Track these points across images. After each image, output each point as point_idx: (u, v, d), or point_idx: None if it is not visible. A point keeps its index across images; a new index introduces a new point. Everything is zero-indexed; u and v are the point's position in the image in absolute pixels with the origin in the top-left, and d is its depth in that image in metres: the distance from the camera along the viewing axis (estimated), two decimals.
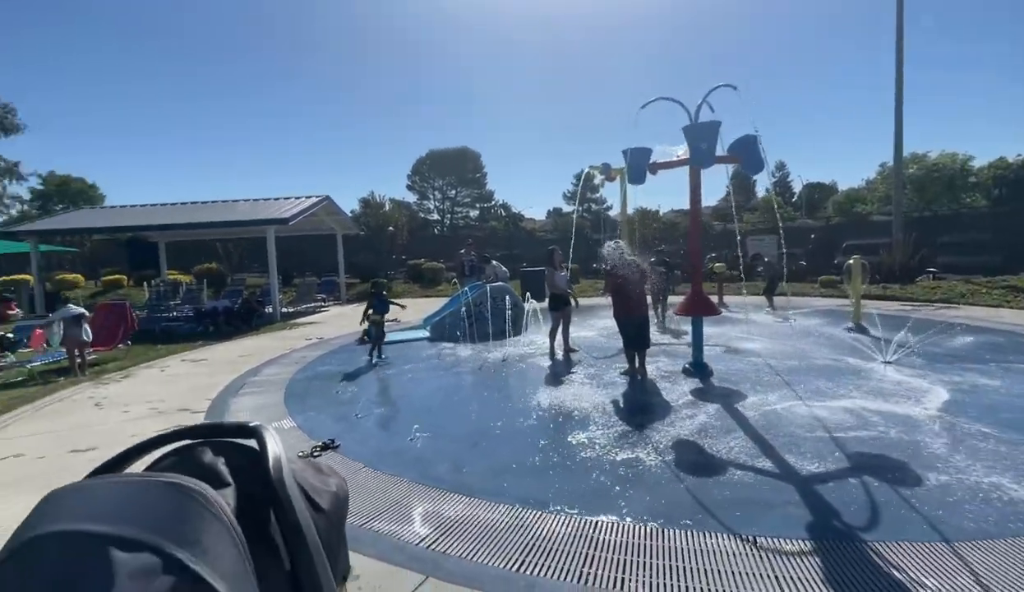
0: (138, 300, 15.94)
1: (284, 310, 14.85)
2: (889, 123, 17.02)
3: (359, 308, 15.22)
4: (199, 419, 5.65)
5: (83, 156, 70.46)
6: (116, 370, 8.25)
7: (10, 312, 7.84)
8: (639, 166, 6.42)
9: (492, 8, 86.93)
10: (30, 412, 6.18)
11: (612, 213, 39.96)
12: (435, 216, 48.83)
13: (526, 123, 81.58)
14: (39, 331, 8.25)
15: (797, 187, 45.77)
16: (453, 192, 48.99)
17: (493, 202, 50.07)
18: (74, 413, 6.06)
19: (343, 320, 13.23)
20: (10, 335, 9.43)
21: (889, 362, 6.79)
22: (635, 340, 6.39)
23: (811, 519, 3.19)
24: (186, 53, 78.75)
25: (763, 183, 44.94)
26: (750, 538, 2.97)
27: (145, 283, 16.67)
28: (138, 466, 1.02)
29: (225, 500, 0.91)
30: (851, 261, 9.50)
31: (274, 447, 0.97)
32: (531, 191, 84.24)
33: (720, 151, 6.09)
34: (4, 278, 18.39)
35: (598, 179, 10.71)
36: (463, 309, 8.90)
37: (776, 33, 79.09)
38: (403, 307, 10.07)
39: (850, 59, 71.75)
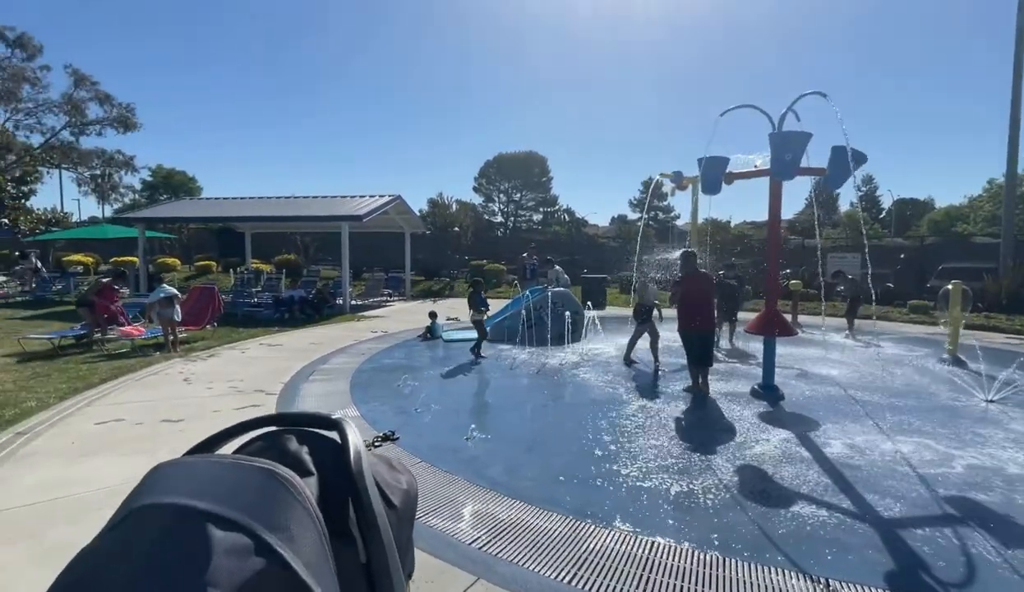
0: (225, 285, 17.28)
1: (353, 302, 15.55)
2: (1000, 135, 15.35)
3: (422, 304, 15.72)
4: (273, 399, 6.04)
5: (185, 152, 77.46)
6: (203, 349, 8.97)
7: (120, 293, 8.84)
8: (714, 176, 6.19)
9: (568, 10, 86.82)
10: (131, 382, 6.84)
11: (679, 222, 38.74)
12: (499, 218, 49.41)
13: (596, 128, 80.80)
14: (140, 328, 9.19)
15: (886, 202, 42.37)
16: (518, 195, 49.39)
17: (557, 207, 50.00)
18: (166, 386, 6.65)
19: (407, 315, 13.68)
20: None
21: (992, 401, 6.11)
22: (700, 356, 6.15)
23: (886, 566, 2.93)
24: (269, 58, 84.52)
25: (847, 197, 41.99)
26: (820, 579, 2.78)
27: (232, 270, 18.05)
28: (227, 448, 1.11)
29: (309, 489, 0.97)
30: (949, 286, 8.64)
31: (355, 441, 1.02)
32: (597, 198, 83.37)
33: (805, 162, 5.74)
34: (115, 259, 20.56)
35: (668, 186, 10.47)
36: (523, 312, 8.93)
37: (871, 34, 73.57)
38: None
39: (955, 62, 65.49)
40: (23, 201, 11.56)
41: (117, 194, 32.21)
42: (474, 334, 9.90)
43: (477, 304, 8.45)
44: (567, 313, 8.90)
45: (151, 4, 71.79)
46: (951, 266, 15.94)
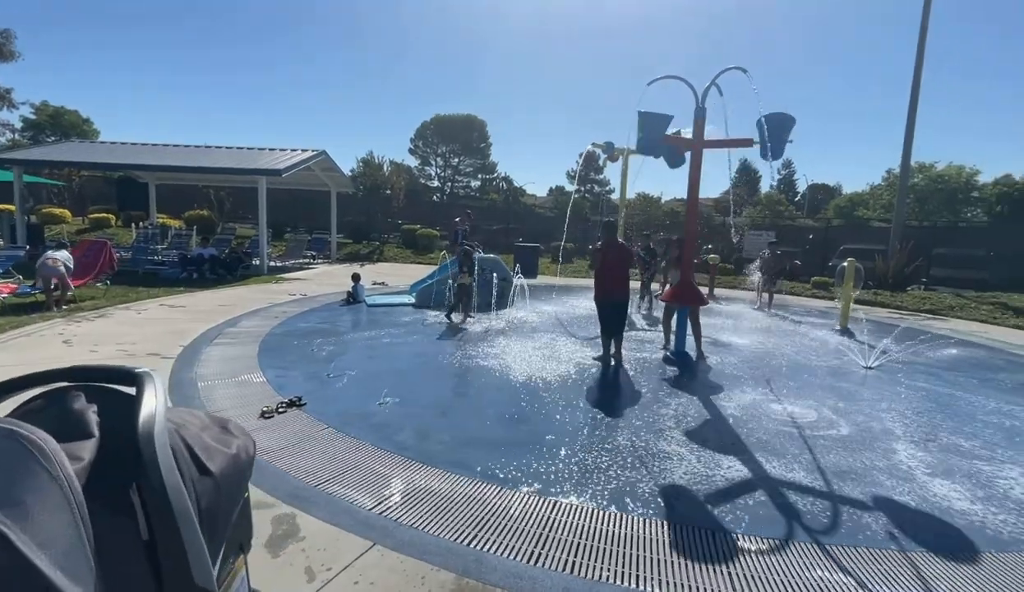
0: (125, 241, 15.64)
1: (272, 263, 14.63)
2: (900, 129, 16.73)
3: (348, 268, 15.04)
4: (169, 363, 5.54)
5: (78, 90, 68.56)
6: (91, 309, 8.07)
7: None
8: (654, 136, 6.05)
9: None
10: (1, 343, 6.03)
11: (614, 196, 39.58)
12: (435, 183, 48.13)
13: (535, 97, 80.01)
14: (10, 285, 8.13)
15: (801, 186, 45.48)
16: (456, 160, 48.22)
17: (495, 175, 49.39)
18: (40, 348, 5.92)
19: (330, 278, 13.06)
20: None
21: (871, 368, 6.75)
22: (612, 324, 6.28)
23: (769, 517, 3.14)
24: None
25: (767, 179, 44.66)
26: (709, 530, 2.93)
27: (133, 225, 16.33)
28: (7, 406, 0.89)
29: (76, 454, 0.77)
30: (845, 264, 9.41)
31: (151, 399, 0.84)
32: (535, 167, 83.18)
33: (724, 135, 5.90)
34: None
35: (601, 158, 10.42)
36: (450, 278, 8.75)
37: (789, 26, 77.45)
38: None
39: (865, 59, 70.57)
40: None
41: None
42: (404, 299, 9.61)
43: (469, 268, 8.36)
44: (494, 278, 8.80)
45: None
46: (849, 247, 17.40)
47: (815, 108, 69.92)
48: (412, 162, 46.50)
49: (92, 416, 0.79)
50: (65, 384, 0.86)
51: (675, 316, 6.39)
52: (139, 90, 74.80)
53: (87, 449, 0.78)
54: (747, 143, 6.07)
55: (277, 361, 5.86)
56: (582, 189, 45.17)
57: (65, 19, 66.06)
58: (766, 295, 11.37)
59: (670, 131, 6.32)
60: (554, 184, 49.92)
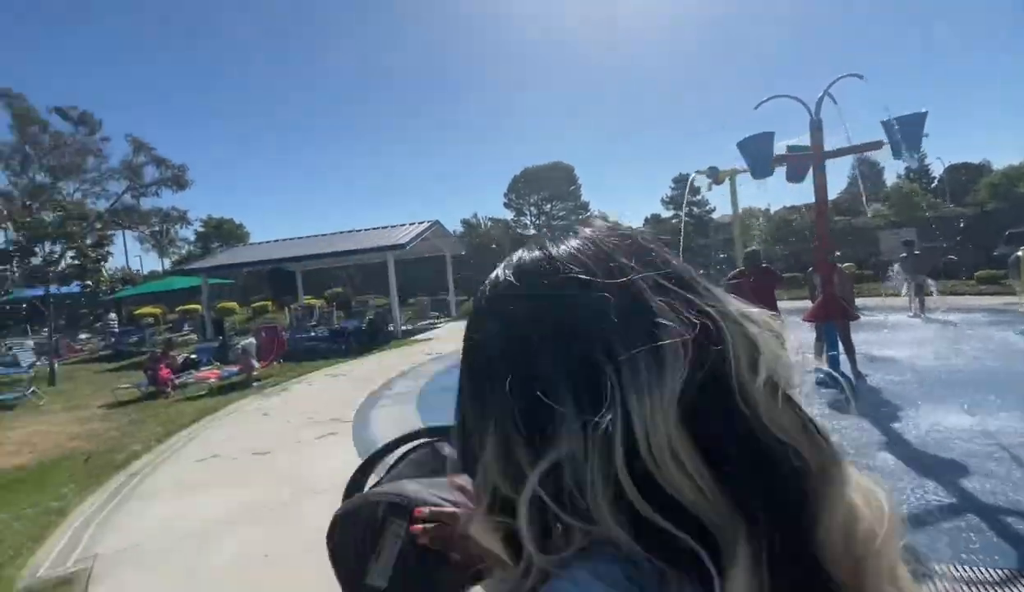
0: (280, 322, 18.18)
1: (404, 327, 16.06)
2: None
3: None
4: (348, 426, 6.38)
5: (231, 201, 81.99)
6: (273, 385, 9.51)
7: (171, 357, 9.86)
8: (763, 155, 5.99)
9: (579, 8, 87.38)
10: (215, 421, 7.36)
11: (715, 215, 37.97)
12: (531, 231, 49.77)
13: (621, 130, 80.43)
14: (215, 371, 10.04)
15: (938, 170, 40.18)
16: (548, 206, 49.64)
17: (588, 213, 49.95)
18: (247, 422, 7.13)
19: (456, 335, 13.97)
20: (193, 356, 11.31)
21: None
22: None
23: (980, 545, 2.88)
24: (299, 101, 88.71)
25: (893, 169, 40.09)
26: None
27: (286, 308, 18.95)
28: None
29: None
30: (1020, 252, 8.22)
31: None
32: (627, 197, 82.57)
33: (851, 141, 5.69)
34: (181, 307, 21.99)
35: (705, 183, 10.41)
36: None
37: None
38: None
39: (995, 14, 61.80)
40: (102, 263, 12.70)
41: (175, 247, 34.35)
42: None
43: None
44: None
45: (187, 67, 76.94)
46: (1017, 231, 15.02)
47: (937, 78, 62.13)
48: (507, 214, 48.67)
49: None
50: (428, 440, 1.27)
51: (823, 335, 6.04)
52: (272, 193, 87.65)
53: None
54: (875, 147, 5.77)
55: (440, 417, 6.45)
56: (680, 214, 43.94)
57: (213, 140, 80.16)
58: (917, 300, 10.19)
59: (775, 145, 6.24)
60: (649, 212, 49.19)
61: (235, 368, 9.67)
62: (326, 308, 18.70)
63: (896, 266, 10.74)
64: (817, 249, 6.35)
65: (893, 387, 5.83)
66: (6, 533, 4.17)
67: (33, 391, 10.12)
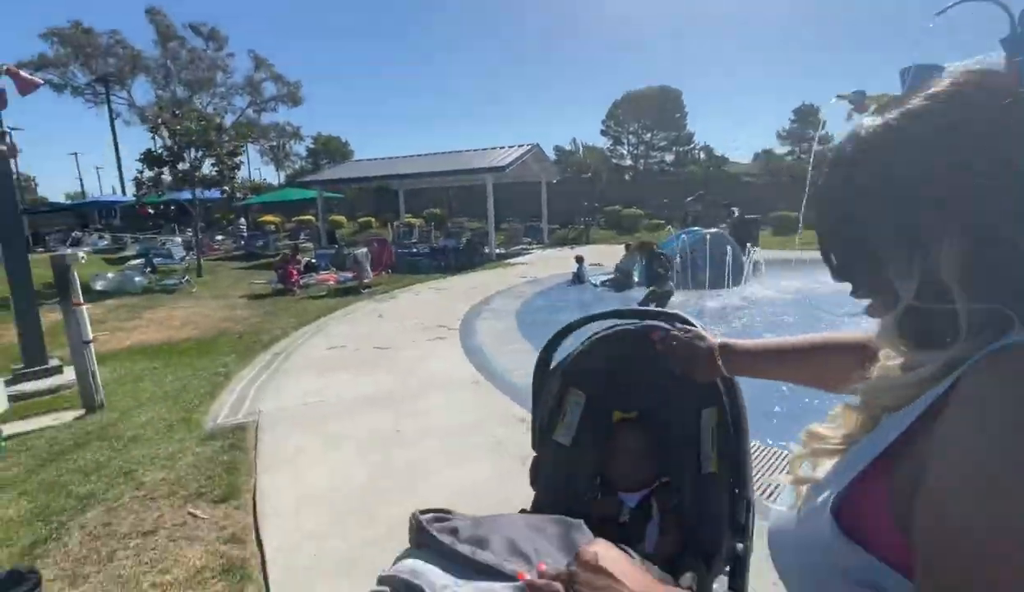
0: (385, 237, 19.35)
1: (497, 251, 16.44)
2: None
3: (560, 251, 16.06)
4: (456, 333, 6.84)
5: (336, 119, 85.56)
6: (383, 292, 10.30)
7: (297, 260, 11.06)
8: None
9: None
10: (337, 318, 8.19)
11: None
12: (628, 161, 47.36)
13: (737, 55, 72.03)
14: (333, 275, 11.02)
15: None
16: (648, 135, 46.63)
17: (692, 144, 46.40)
18: (366, 322, 7.84)
19: (549, 262, 14.13)
20: (313, 261, 12.48)
21: None
22: None
23: None
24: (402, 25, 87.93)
25: None
26: None
27: (388, 224, 20.04)
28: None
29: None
30: None
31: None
32: (738, 132, 75.29)
33: None
34: (297, 218, 24.07)
35: (844, 111, 9.18)
36: (677, 257, 8.75)
37: None
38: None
39: None
40: (236, 171, 14.11)
41: (289, 161, 37.00)
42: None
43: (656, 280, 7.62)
44: (729, 248, 8.46)
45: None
46: None
47: None
48: (604, 143, 46.51)
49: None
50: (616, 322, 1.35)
51: None
52: (373, 110, 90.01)
53: None
54: None
55: (532, 333, 6.70)
56: (796, 150, 39.56)
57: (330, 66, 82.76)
58: None
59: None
60: (760, 147, 44.69)
61: (349, 274, 10.54)
62: (424, 227, 19.51)
63: None
64: None
65: None
66: (189, 387, 5.06)
67: (187, 279, 11.77)
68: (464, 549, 0.76)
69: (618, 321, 1.31)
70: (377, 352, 6.07)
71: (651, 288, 7.34)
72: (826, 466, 0.57)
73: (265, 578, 2.36)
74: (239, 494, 3.06)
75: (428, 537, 0.80)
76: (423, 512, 0.87)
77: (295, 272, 10.69)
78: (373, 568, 0.81)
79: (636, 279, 9.34)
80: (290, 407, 4.47)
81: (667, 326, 1.18)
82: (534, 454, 1.35)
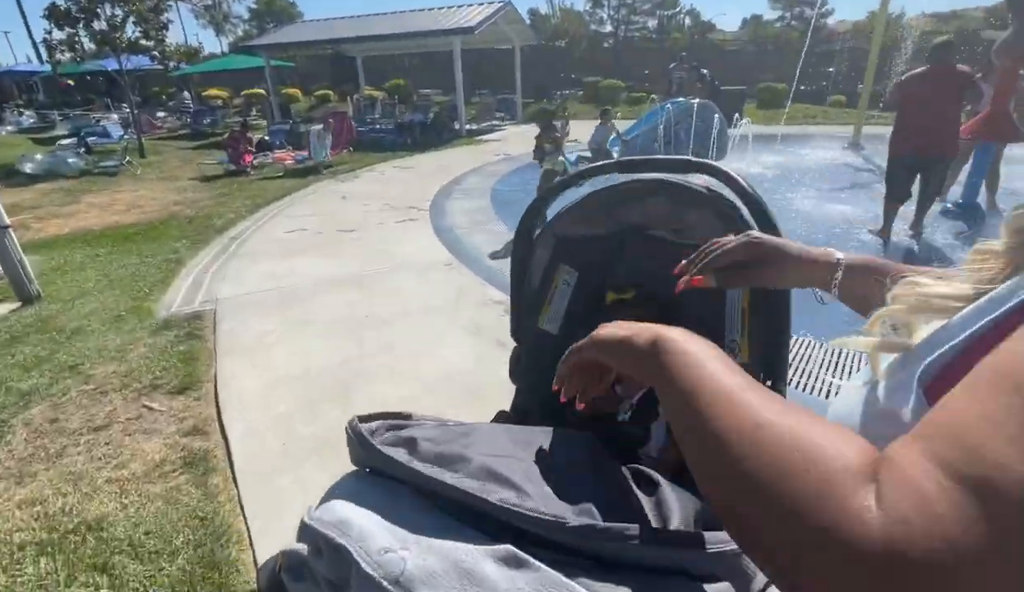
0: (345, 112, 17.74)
1: (468, 127, 15.33)
2: None
3: (535, 128, 15.07)
4: (426, 214, 6.43)
5: None
6: (346, 172, 9.57)
7: (248, 138, 9.70)
8: None
9: None
10: (297, 200, 7.60)
11: (831, 21, 31.62)
12: (608, 28, 43.49)
13: None
14: (290, 153, 10.02)
15: None
16: None
17: (678, 9, 42.57)
18: (327, 203, 7.30)
19: (524, 138, 13.24)
20: (267, 138, 11.36)
21: None
22: (902, 189, 4.58)
23: None
24: None
25: None
26: None
27: (348, 98, 18.28)
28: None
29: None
30: None
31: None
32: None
33: None
34: (246, 91, 21.69)
35: None
36: (660, 128, 8.17)
37: None
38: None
39: None
40: (164, 32, 12.14)
41: (230, 25, 32.63)
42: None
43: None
44: (715, 120, 7.90)
45: None
46: None
47: None
48: (582, 4, 42.24)
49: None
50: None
51: (971, 157, 5.11)
52: None
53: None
54: None
55: (509, 212, 6.36)
56: (787, 15, 36.81)
57: None
58: None
59: None
60: (748, 13, 41.43)
61: (306, 153, 9.67)
62: (388, 101, 17.88)
63: None
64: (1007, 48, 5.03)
65: None
66: (138, 275, 4.67)
67: (128, 160, 10.68)
68: (424, 469, 0.52)
69: (630, 174, 1.00)
70: (342, 235, 5.68)
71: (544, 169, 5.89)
72: (922, 333, 0.42)
73: (232, 467, 2.24)
74: (199, 385, 2.87)
75: (375, 454, 0.57)
76: (366, 418, 0.63)
77: (247, 151, 9.75)
78: (346, 449, 0.61)
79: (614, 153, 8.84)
80: (251, 293, 4.18)
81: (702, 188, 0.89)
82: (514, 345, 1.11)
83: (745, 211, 0.87)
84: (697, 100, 8.16)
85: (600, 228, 1.05)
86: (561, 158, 6.05)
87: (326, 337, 3.41)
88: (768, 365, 0.88)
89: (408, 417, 0.67)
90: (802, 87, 18.24)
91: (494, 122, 17.33)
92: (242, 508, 2.01)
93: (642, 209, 0.99)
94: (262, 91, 19.05)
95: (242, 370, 3.02)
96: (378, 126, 14.55)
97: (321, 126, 9.59)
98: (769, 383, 0.88)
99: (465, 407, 2.62)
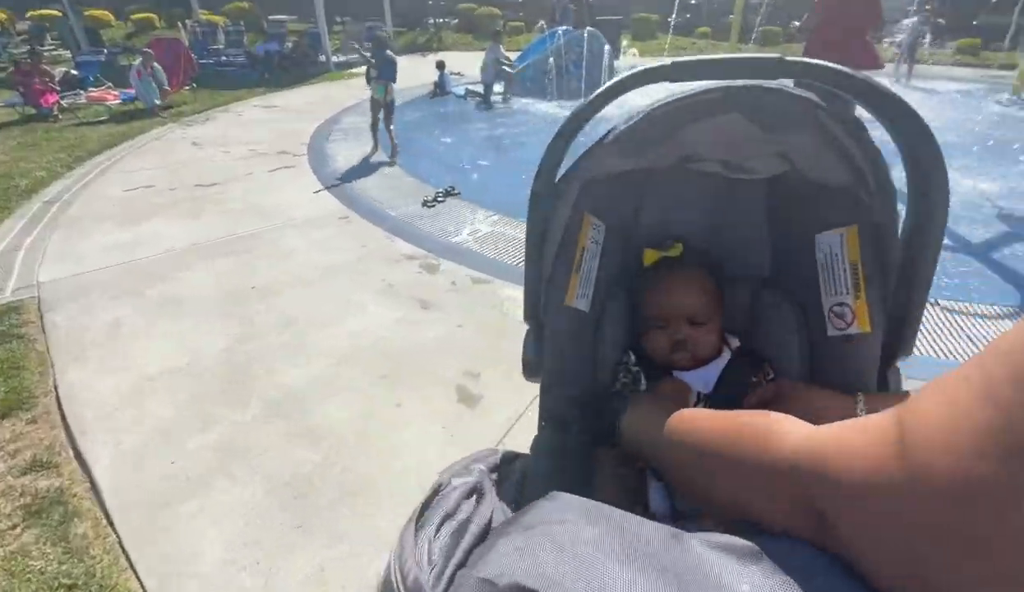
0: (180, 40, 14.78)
1: (335, 59, 13.65)
2: None
3: (411, 59, 13.85)
4: (303, 160, 5.60)
5: None
6: (193, 113, 8.02)
7: (52, 83, 7.18)
8: None
9: None
10: (133, 149, 6.21)
11: None
12: None
13: None
14: (111, 92, 8.01)
15: None
16: None
17: None
18: (175, 152, 6.05)
19: (400, 71, 12.14)
20: (74, 72, 9.00)
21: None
22: None
23: (978, 287, 3.09)
24: None
25: None
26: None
27: (179, 24, 15.22)
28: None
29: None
30: None
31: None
32: None
33: None
34: (32, 13, 17.01)
35: None
36: (551, 58, 7.84)
37: None
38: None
39: None
40: None
41: None
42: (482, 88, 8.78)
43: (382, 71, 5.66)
44: (605, 51, 7.75)
45: None
46: None
47: None
48: None
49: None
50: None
51: None
52: None
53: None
54: None
55: (409, 156, 5.74)
56: None
57: None
58: (906, 64, 9.62)
59: None
60: None
61: (132, 91, 7.87)
62: (231, 27, 15.21)
63: (909, 21, 9.42)
64: None
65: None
66: None
67: None
68: None
69: (687, 88, 0.69)
70: (202, 191, 4.73)
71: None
72: None
73: (103, 506, 1.72)
74: (31, 402, 2.18)
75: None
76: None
77: (50, 89, 7.68)
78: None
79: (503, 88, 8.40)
80: (87, 272, 3.30)
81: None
82: (523, 330, 0.81)
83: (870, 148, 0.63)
84: (589, 29, 7.92)
85: (642, 160, 0.76)
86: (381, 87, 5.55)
87: (202, 319, 2.79)
88: (895, 332, 0.68)
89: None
90: (668, 19, 18.77)
91: (361, 54, 15.67)
92: (129, 560, 1.54)
93: (713, 130, 0.70)
94: (56, 12, 15.10)
95: (92, 374, 2.36)
96: (224, 58, 12.37)
97: (140, 59, 7.72)
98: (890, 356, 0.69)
99: (392, 377, 2.29)
